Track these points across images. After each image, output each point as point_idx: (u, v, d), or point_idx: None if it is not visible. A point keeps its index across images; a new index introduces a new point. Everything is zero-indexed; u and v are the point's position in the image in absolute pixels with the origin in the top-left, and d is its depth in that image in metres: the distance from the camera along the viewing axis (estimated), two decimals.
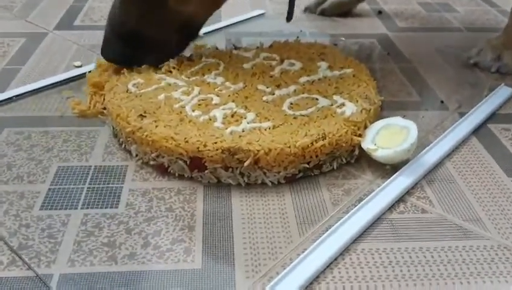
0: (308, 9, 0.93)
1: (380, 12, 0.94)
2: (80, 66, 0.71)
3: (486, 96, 0.65)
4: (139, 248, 0.41)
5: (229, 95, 0.55)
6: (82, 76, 0.67)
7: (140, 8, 0.57)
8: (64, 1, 0.96)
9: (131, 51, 0.58)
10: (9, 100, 0.62)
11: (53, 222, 0.44)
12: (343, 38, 0.81)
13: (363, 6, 0.95)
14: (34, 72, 0.69)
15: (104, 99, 0.57)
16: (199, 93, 0.55)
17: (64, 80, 0.66)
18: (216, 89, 0.56)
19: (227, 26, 0.85)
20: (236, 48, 0.69)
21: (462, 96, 0.66)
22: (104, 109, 0.57)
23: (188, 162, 0.48)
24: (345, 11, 0.92)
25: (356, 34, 0.84)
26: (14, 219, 0.44)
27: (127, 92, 0.55)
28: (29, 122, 0.58)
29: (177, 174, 0.49)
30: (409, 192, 0.48)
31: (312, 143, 0.48)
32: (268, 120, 0.51)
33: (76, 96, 0.62)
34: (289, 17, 0.66)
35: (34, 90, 0.64)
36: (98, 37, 0.80)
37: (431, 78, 0.70)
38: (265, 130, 0.49)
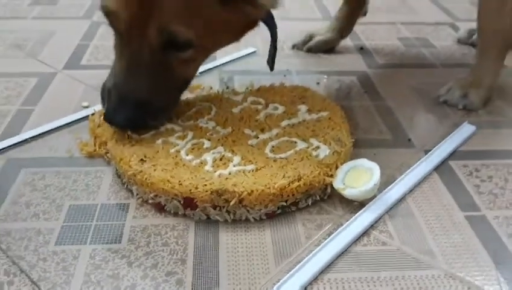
0: (295, 46, 1.01)
1: (361, 48, 1.02)
2: (88, 107, 0.79)
3: (451, 133, 0.73)
4: (139, 279, 0.49)
5: (219, 139, 0.63)
6: (88, 117, 0.75)
7: (147, 77, 0.60)
8: (71, 40, 1.05)
9: (137, 116, 0.62)
10: (24, 142, 0.70)
11: (66, 256, 0.51)
12: (326, 77, 0.89)
13: (346, 42, 1.03)
14: (46, 112, 0.77)
15: (106, 143, 0.64)
16: (192, 137, 0.63)
17: (73, 121, 0.74)
18: (208, 134, 0.64)
19: (221, 64, 0.94)
20: (228, 88, 0.77)
21: (429, 133, 0.74)
22: (107, 153, 0.65)
23: (181, 202, 0.56)
24: (329, 48, 1.00)
25: (338, 71, 0.92)
26: (33, 253, 0.51)
27: (127, 137, 0.63)
28: (43, 163, 0.65)
29: (172, 212, 0.57)
30: (372, 226, 0.56)
31: (289, 184, 0.56)
32: (252, 163, 0.58)
33: (84, 137, 0.70)
34: (272, 67, 0.74)
35: (46, 131, 0.72)
36: (103, 76, 0.89)
37: (402, 116, 0.78)
38: (249, 172, 0.57)
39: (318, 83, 0.87)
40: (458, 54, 1.02)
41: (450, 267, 0.51)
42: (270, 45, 0.73)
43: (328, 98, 0.77)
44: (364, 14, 1.01)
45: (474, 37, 1.04)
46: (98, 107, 0.75)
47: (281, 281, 0.48)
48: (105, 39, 1.05)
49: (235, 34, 0.64)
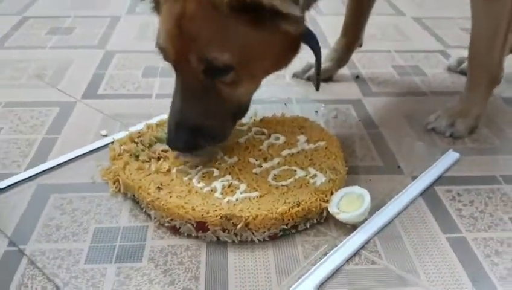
0: (296, 75, 1.09)
1: (357, 76, 1.10)
2: (106, 135, 0.86)
3: (437, 159, 0.80)
4: None
5: (227, 168, 0.70)
6: (108, 145, 0.82)
7: (198, 102, 0.66)
8: (87, 69, 1.13)
9: (195, 140, 0.68)
10: (51, 169, 0.77)
11: (94, 273, 0.58)
12: (323, 105, 0.97)
13: (344, 71, 1.11)
14: (69, 140, 0.85)
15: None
16: (203, 167, 0.70)
17: (94, 149, 0.82)
18: (216, 163, 0.71)
19: None
20: None
21: (417, 159, 0.81)
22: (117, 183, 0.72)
23: (194, 225, 0.63)
24: (328, 77, 1.08)
25: (335, 99, 1.00)
26: (66, 271, 0.59)
27: (139, 169, 0.70)
28: (69, 188, 0.73)
29: (186, 234, 0.64)
30: (363, 247, 0.63)
31: (289, 209, 0.63)
32: (256, 190, 0.66)
33: (105, 164, 0.78)
34: (317, 88, 0.80)
35: (70, 159, 0.79)
36: (119, 105, 0.97)
37: (393, 144, 0.85)
38: (254, 199, 0.65)
39: (316, 112, 0.94)
40: (448, 81, 1.10)
41: (431, 284, 0.58)
42: (315, 66, 0.78)
43: (325, 126, 0.85)
44: (360, 45, 1.08)
45: (463, 65, 1.11)
46: (117, 135, 0.84)
47: None
48: (119, 68, 1.14)
49: (278, 57, 0.69)
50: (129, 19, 1.46)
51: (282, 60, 0.70)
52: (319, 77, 0.80)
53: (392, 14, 1.53)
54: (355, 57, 1.13)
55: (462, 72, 1.11)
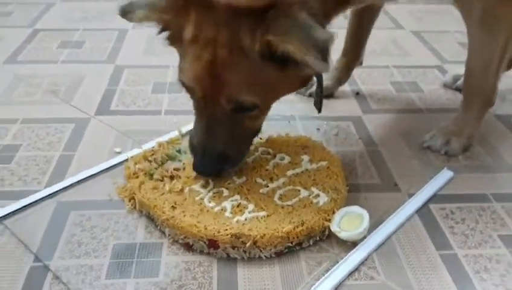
0: (298, 92, 1.14)
1: (357, 93, 1.15)
2: (120, 153, 0.91)
3: (432, 178, 0.85)
4: None
5: (235, 188, 0.75)
6: (122, 162, 0.87)
7: (224, 133, 0.71)
8: (99, 84, 1.18)
9: (219, 165, 0.74)
10: (70, 186, 0.82)
11: (116, 288, 0.64)
12: (325, 123, 1.02)
13: (344, 87, 1.16)
14: (85, 158, 0.90)
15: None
16: (213, 187, 0.75)
17: (109, 167, 0.87)
18: (226, 183, 0.76)
19: None
20: None
21: (413, 177, 0.86)
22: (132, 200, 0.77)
23: (207, 243, 0.68)
24: (329, 94, 1.13)
25: (336, 116, 1.05)
26: (89, 286, 0.64)
27: (154, 188, 0.75)
28: (88, 205, 0.78)
29: (198, 250, 0.69)
30: (363, 263, 0.68)
31: (294, 228, 0.68)
32: (264, 210, 0.71)
33: (120, 181, 0.83)
34: (319, 110, 0.86)
35: (87, 177, 0.84)
36: (131, 121, 1.02)
37: (391, 162, 0.90)
38: (261, 218, 0.70)
39: (318, 129, 0.99)
40: (443, 98, 1.15)
41: None
42: (316, 90, 0.85)
43: (327, 144, 0.91)
44: (361, 64, 1.13)
45: (459, 82, 1.16)
46: (130, 153, 0.89)
47: None
48: (129, 84, 1.18)
49: (294, 89, 0.76)
50: (136, 32, 1.51)
51: (296, 90, 0.78)
52: (321, 100, 0.85)
53: (392, 28, 1.59)
54: (355, 72, 1.17)
55: (457, 89, 1.17)
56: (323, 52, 0.59)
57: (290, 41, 0.61)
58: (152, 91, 1.15)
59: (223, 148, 0.72)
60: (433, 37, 1.51)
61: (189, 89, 0.71)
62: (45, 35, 1.48)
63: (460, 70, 1.01)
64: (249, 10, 0.63)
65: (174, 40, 0.70)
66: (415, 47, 1.45)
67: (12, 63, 1.28)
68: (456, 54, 1.39)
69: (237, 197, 0.73)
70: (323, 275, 0.65)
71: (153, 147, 0.87)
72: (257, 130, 0.78)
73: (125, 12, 0.68)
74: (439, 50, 1.42)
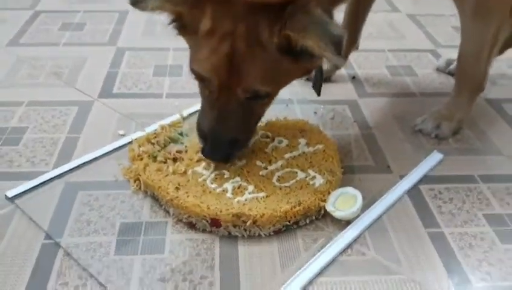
0: None
1: (353, 77, 1.18)
2: (124, 135, 0.95)
3: (423, 160, 0.89)
4: (181, 282, 0.65)
5: (236, 170, 0.79)
6: (127, 145, 0.90)
7: (235, 121, 0.74)
8: (101, 67, 1.20)
9: (229, 151, 0.77)
10: (77, 167, 0.86)
11: (124, 264, 0.68)
12: (322, 106, 1.05)
13: (341, 71, 1.19)
14: (90, 140, 0.93)
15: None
16: (215, 169, 0.79)
17: (114, 149, 0.90)
18: (227, 165, 0.80)
19: None
20: None
21: (405, 159, 0.90)
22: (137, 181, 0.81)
23: (209, 222, 0.72)
24: (326, 77, 1.16)
25: (333, 100, 1.08)
26: (99, 262, 0.68)
27: (158, 170, 0.79)
28: (95, 186, 0.82)
29: (201, 229, 0.73)
30: (355, 240, 0.73)
31: (291, 208, 0.72)
32: (263, 191, 0.75)
33: (125, 163, 0.86)
34: (318, 93, 0.90)
35: (93, 158, 0.88)
36: (133, 104, 1.05)
37: (384, 144, 0.94)
38: (261, 199, 0.74)
39: (315, 113, 1.03)
40: (436, 82, 1.18)
41: (412, 273, 0.68)
42: (316, 74, 0.89)
43: (323, 128, 0.94)
44: (357, 48, 1.16)
45: (452, 66, 1.20)
46: (134, 135, 0.92)
47: (285, 283, 0.65)
48: (130, 67, 1.21)
49: (301, 76, 0.80)
50: (137, 13, 1.51)
51: (303, 76, 0.83)
52: (321, 84, 0.89)
53: (388, 11, 1.61)
54: (352, 56, 1.20)
55: (450, 73, 1.20)
56: (339, 47, 0.63)
57: (309, 37, 0.64)
58: (153, 74, 1.18)
59: (235, 135, 0.76)
60: (428, 20, 1.54)
61: (203, 79, 0.73)
62: (46, 16, 1.49)
63: (454, 54, 1.04)
64: (266, 6, 0.66)
65: (186, 32, 0.72)
66: (410, 30, 1.47)
67: (15, 46, 1.30)
68: (450, 38, 1.41)
69: (238, 179, 0.77)
70: (319, 251, 0.70)
71: (156, 130, 0.90)
72: (263, 115, 0.81)
73: (137, 1, 0.69)
74: (433, 34, 1.45)
